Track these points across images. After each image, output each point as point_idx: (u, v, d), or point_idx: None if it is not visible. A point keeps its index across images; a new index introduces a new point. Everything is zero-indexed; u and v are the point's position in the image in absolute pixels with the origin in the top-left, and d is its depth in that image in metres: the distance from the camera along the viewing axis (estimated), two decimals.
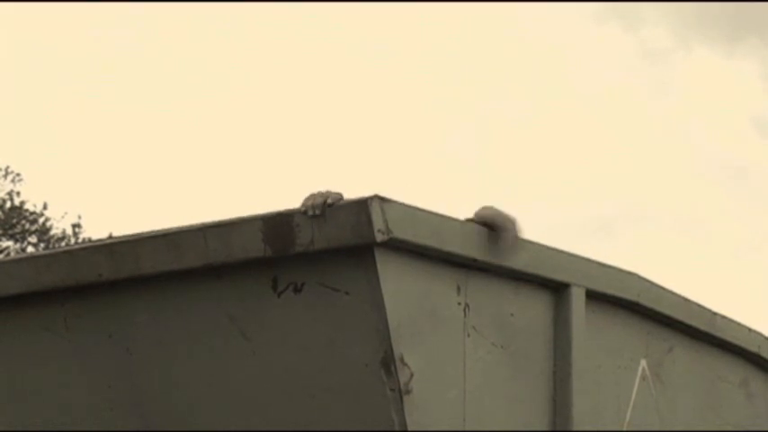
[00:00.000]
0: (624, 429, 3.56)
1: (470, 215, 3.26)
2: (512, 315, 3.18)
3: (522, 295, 3.21)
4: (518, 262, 3.14)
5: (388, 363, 2.79)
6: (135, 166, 34.19)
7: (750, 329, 4.18)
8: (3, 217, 24.80)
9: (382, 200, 2.80)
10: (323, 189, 2.95)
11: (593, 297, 3.40)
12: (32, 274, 3.27)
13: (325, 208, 2.84)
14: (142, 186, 34.06)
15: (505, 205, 3.36)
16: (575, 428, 3.27)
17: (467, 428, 2.99)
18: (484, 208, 3.16)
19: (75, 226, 25.37)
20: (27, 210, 25.15)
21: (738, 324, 4.11)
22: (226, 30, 37.06)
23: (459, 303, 3.01)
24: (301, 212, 2.86)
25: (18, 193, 25.14)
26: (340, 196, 2.89)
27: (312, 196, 2.89)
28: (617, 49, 37.63)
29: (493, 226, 3.08)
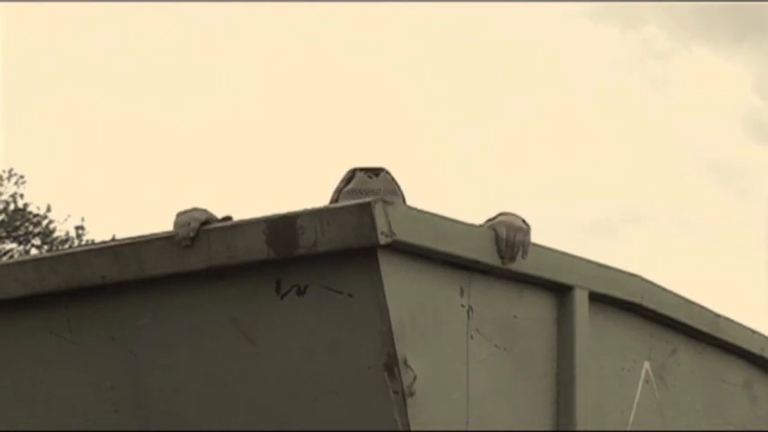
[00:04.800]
0: (627, 431, 3.55)
1: (480, 219, 3.28)
2: (515, 317, 3.18)
3: (525, 297, 3.21)
4: (521, 264, 3.14)
5: (392, 365, 2.79)
6: (138, 168, 34.21)
7: (753, 331, 4.18)
8: (6, 219, 24.82)
9: (385, 202, 2.80)
10: (188, 207, 3.05)
11: (597, 299, 3.40)
12: (36, 277, 3.27)
13: (198, 232, 2.97)
14: (145, 188, 34.08)
15: (507, 207, 3.37)
16: (578, 430, 3.27)
17: (470, 430, 2.99)
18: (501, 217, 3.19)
19: (79, 228, 25.41)
20: (30, 212, 25.18)
21: (741, 326, 4.11)
22: (229, 30, 37.07)
23: (463, 306, 3.01)
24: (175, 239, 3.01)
25: (22, 196, 25.19)
26: (205, 215, 3.01)
27: (181, 225, 2.99)
28: (616, 48, 37.62)
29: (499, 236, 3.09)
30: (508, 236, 3.06)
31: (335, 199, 3.67)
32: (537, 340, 3.25)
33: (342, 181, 3.71)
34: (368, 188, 3.64)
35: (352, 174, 3.70)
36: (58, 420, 3.33)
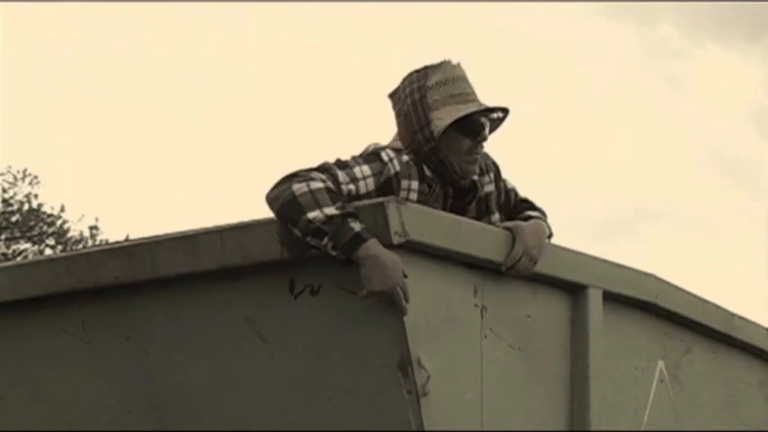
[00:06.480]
0: (642, 430, 3.55)
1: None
2: (529, 317, 3.17)
3: (539, 297, 3.21)
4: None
5: (405, 365, 2.79)
6: (152, 168, 34.28)
7: None
8: (21, 219, 24.87)
9: (399, 202, 2.80)
10: None
11: (611, 298, 3.39)
12: (50, 277, 3.28)
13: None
14: (159, 188, 34.14)
15: None
16: (592, 429, 3.26)
17: (484, 430, 2.99)
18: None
19: (93, 228, 25.42)
20: (44, 212, 25.20)
21: (756, 325, 4.10)
22: (242, 30, 37.13)
23: (476, 305, 3.01)
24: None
25: (36, 196, 25.21)
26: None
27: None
28: (631, 46, 37.57)
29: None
30: (518, 255, 3.05)
31: (419, 99, 3.16)
32: (551, 340, 3.24)
33: (410, 83, 3.18)
34: (461, 75, 3.17)
35: (425, 70, 3.16)
36: (73, 420, 3.34)
